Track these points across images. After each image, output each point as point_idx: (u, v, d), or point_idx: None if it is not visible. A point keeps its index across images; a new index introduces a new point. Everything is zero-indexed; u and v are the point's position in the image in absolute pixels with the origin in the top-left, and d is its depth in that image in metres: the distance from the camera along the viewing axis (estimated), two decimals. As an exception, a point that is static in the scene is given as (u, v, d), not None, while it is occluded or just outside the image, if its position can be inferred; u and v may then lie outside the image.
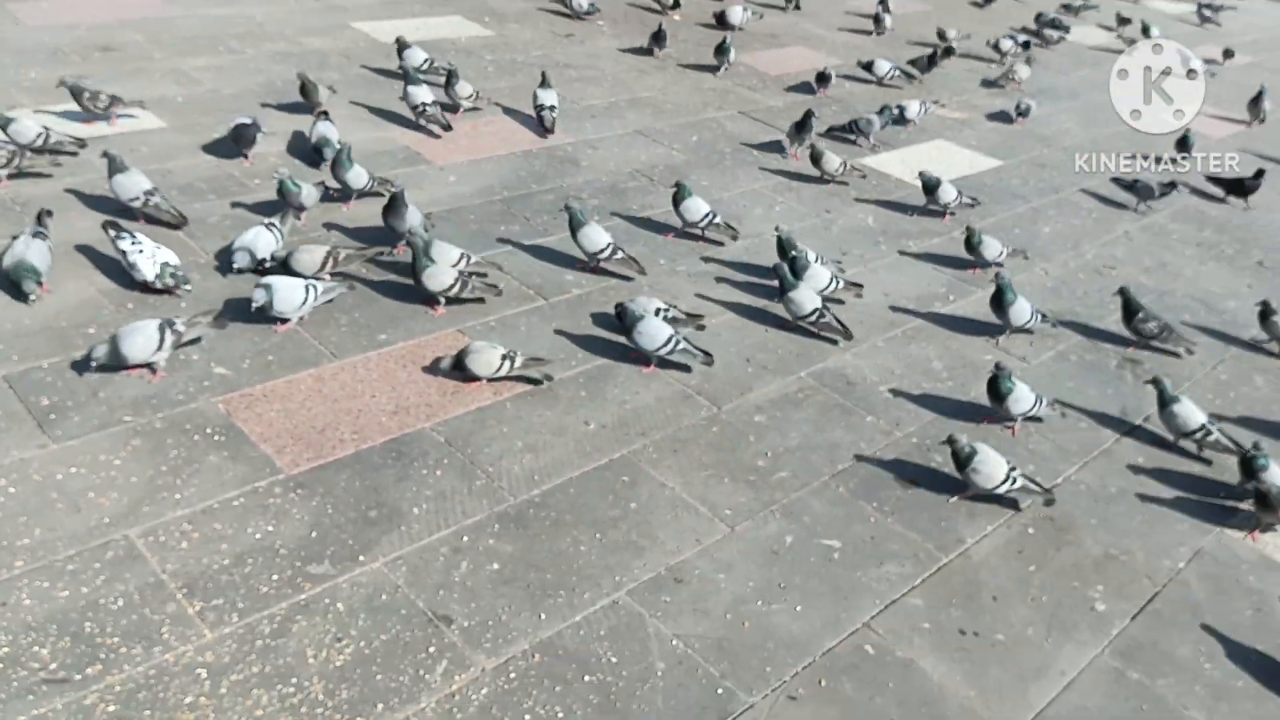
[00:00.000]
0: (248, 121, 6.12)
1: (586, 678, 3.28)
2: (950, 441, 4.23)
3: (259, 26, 8.52)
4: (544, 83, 7.30)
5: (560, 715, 3.15)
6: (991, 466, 4.19)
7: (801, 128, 7.32)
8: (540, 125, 7.22)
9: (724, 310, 5.46)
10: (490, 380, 4.51)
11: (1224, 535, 4.39)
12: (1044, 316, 5.53)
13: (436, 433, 4.25)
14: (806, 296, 5.23)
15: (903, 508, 4.26)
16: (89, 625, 3.17)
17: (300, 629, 3.27)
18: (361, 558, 3.58)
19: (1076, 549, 4.20)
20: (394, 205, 5.31)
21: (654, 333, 4.70)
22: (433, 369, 4.56)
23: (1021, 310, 5.38)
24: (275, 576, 3.44)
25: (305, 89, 6.70)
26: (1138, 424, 5.00)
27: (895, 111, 8.03)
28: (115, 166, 5.20)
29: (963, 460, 4.20)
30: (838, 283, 5.54)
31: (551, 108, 7.20)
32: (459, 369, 4.47)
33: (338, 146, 5.82)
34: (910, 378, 5.13)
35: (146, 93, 6.82)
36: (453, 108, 7.22)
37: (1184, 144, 7.96)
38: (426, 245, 4.99)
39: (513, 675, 3.25)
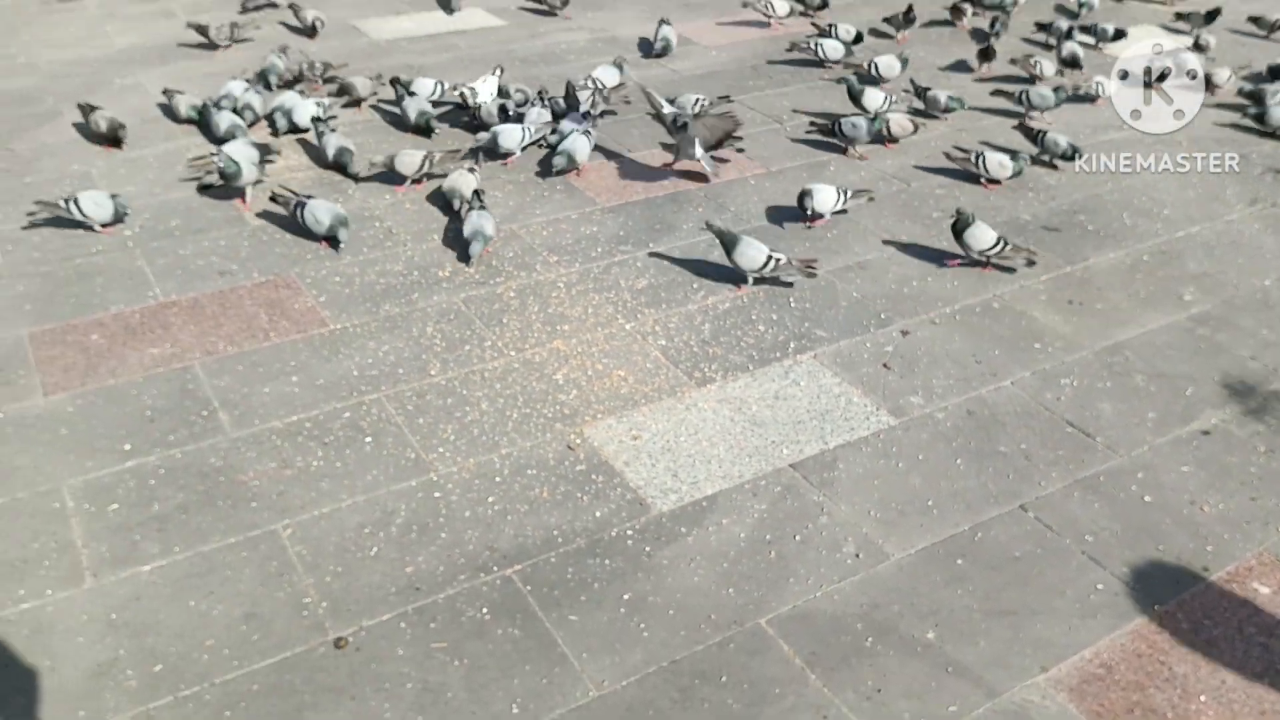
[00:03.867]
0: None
1: (793, 304, 5.06)
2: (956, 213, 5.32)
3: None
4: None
5: (774, 318, 4.95)
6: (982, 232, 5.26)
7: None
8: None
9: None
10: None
11: (1316, 268, 5.53)
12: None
13: (699, 191, 6.15)
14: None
15: (1042, 242, 5.71)
16: (494, 261, 5.30)
17: (615, 270, 5.26)
18: (650, 245, 5.53)
19: (1180, 267, 5.50)
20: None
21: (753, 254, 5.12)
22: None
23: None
24: (599, 249, 5.46)
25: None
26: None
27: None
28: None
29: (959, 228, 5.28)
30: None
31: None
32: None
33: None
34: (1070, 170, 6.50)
35: (492, 4, 9.22)
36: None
37: None
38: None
39: (745, 299, 5.09)
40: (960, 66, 8.18)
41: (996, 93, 7.33)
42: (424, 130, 6.56)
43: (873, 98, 6.93)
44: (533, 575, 3.48)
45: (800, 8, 9.23)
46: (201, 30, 7.82)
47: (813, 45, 7.95)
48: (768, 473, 3.98)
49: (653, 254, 5.41)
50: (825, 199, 5.66)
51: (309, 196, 5.39)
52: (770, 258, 5.05)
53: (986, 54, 7.87)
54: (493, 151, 6.26)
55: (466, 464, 3.96)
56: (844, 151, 6.62)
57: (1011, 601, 3.45)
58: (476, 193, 5.54)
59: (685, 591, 3.44)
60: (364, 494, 3.80)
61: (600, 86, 7.12)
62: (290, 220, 5.43)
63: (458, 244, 5.36)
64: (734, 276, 5.17)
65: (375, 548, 3.57)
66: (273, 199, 5.45)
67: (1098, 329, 4.96)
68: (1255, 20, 9.15)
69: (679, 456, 4.04)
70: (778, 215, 5.86)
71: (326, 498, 3.78)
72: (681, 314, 4.95)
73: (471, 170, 5.84)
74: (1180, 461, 4.12)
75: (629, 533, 3.67)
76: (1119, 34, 8.55)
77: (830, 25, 8.28)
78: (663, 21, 8.40)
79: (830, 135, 6.65)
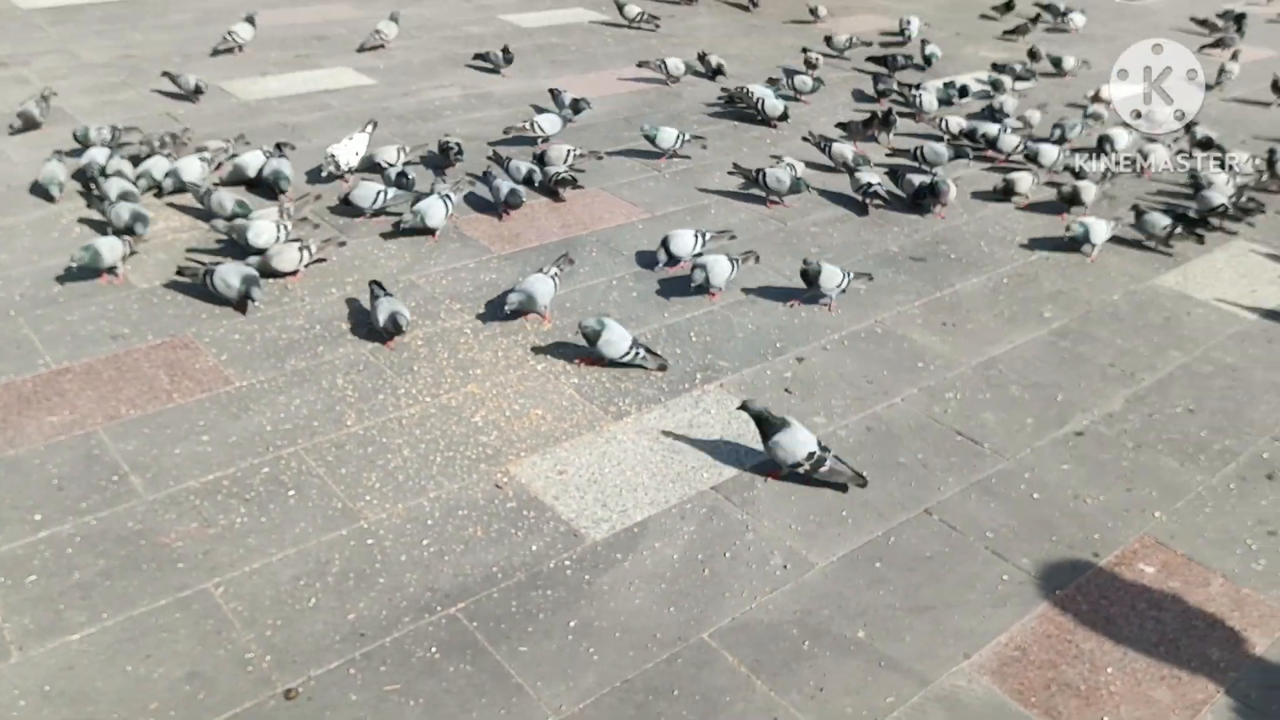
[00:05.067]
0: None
1: (694, 337, 5.29)
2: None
3: (429, 20, 10.93)
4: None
5: (678, 352, 5.15)
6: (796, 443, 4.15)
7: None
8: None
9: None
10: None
11: (1155, 282, 6.12)
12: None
13: (591, 236, 6.35)
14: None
15: (913, 271, 6.13)
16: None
17: (518, 320, 5.37)
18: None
19: (1037, 288, 6.00)
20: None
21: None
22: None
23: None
24: (501, 295, 5.57)
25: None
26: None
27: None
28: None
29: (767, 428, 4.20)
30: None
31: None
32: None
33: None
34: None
35: (360, 64, 9.26)
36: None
37: None
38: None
39: (651, 335, 5.28)
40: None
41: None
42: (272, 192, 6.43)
43: (666, 135, 7.38)
44: (477, 611, 3.53)
45: (698, 66, 9.50)
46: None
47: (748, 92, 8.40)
48: (692, 496, 4.15)
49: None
50: (684, 244, 5.87)
51: (216, 263, 5.32)
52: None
53: (869, 124, 8.11)
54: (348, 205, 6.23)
55: (396, 509, 3.98)
56: (764, 201, 6.92)
57: (929, 597, 3.70)
58: (376, 283, 5.26)
59: (628, 614, 3.55)
60: (294, 546, 3.77)
61: (541, 133, 7.43)
62: (188, 284, 5.36)
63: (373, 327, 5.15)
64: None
65: (313, 598, 3.55)
66: (179, 273, 5.42)
67: (972, 346, 5.35)
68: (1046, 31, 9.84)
69: (606, 487, 4.17)
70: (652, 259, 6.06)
71: (255, 553, 3.73)
72: (590, 352, 5.10)
73: (330, 242, 5.75)
74: (1060, 461, 4.50)
75: (566, 563, 3.76)
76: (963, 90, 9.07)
77: (740, 87, 8.59)
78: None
79: (753, 185, 6.91)
